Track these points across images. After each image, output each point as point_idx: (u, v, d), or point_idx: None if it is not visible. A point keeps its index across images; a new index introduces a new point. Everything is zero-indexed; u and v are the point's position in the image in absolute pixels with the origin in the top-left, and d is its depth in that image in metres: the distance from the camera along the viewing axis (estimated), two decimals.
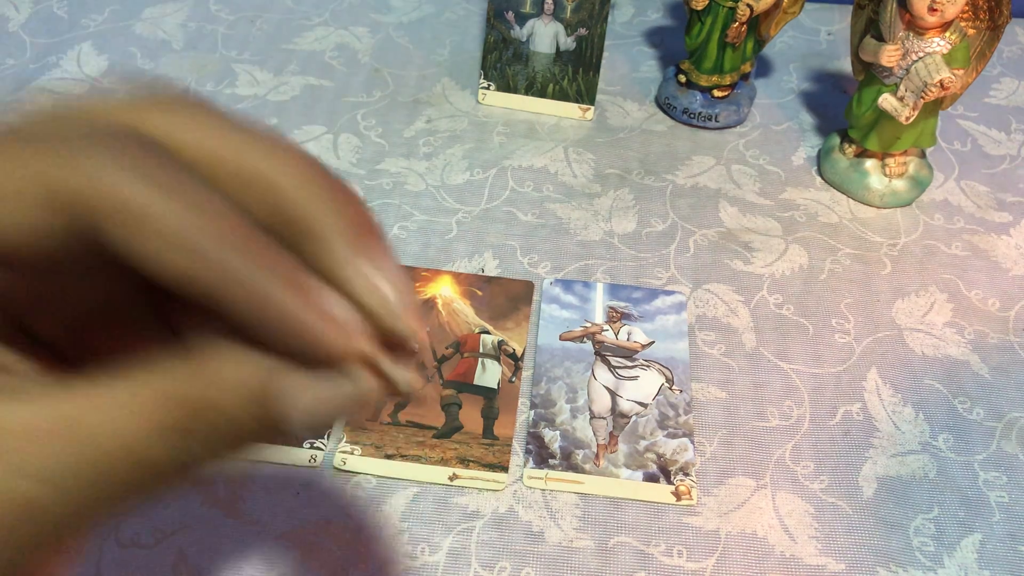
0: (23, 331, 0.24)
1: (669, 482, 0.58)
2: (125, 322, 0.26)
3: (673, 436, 0.61)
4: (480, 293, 0.69)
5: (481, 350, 0.65)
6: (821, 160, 0.81)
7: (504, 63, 0.85)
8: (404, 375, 0.23)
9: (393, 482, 0.58)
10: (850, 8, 0.78)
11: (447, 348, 0.65)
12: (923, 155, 0.79)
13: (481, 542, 0.55)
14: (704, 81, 0.83)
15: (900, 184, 0.77)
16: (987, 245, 0.75)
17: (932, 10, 0.67)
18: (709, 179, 0.80)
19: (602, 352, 0.66)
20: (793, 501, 0.58)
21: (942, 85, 0.68)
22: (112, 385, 0.21)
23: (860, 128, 0.76)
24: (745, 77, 0.84)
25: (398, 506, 0.57)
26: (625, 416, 0.62)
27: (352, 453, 0.59)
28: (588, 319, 0.68)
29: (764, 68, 0.93)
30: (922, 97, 0.69)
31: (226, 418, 0.22)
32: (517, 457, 0.59)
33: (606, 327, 0.67)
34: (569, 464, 0.59)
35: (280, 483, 0.58)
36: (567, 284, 0.70)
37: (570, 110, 0.85)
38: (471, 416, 0.61)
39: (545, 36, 0.84)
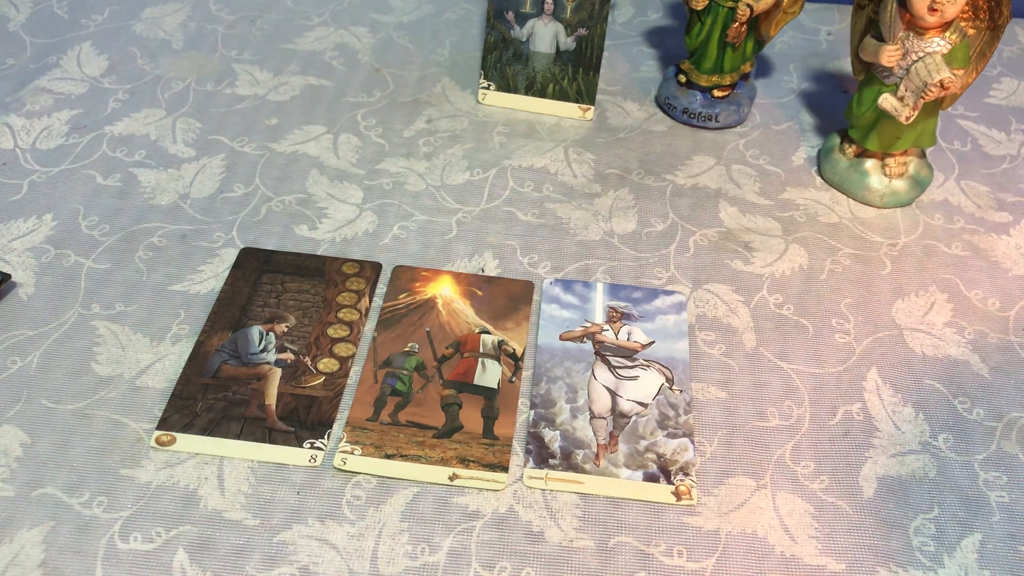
0: None
1: (669, 482, 0.58)
2: None
3: (673, 436, 0.61)
4: (480, 293, 0.69)
5: (481, 350, 0.65)
6: (821, 160, 0.81)
7: (504, 63, 0.85)
8: None
9: (393, 482, 0.58)
10: (850, 8, 0.78)
11: (447, 348, 0.65)
12: (923, 155, 0.79)
13: (481, 542, 0.55)
14: (704, 81, 0.83)
15: (900, 184, 0.77)
16: (987, 245, 0.75)
17: (932, 10, 0.67)
18: (709, 179, 0.80)
19: (602, 352, 0.66)
20: (793, 501, 0.58)
21: (942, 85, 0.68)
22: None
23: (860, 128, 0.76)
24: (745, 77, 0.84)
25: (398, 506, 0.57)
26: (625, 416, 0.62)
27: (352, 453, 0.59)
28: (588, 319, 0.68)
29: (764, 68, 0.93)
30: (922, 97, 0.69)
31: None
32: (517, 457, 0.59)
33: (606, 327, 0.67)
34: (569, 464, 0.59)
35: (280, 483, 0.58)
36: (567, 284, 0.70)
37: (570, 110, 0.85)
38: (471, 416, 0.61)
39: (545, 36, 0.84)
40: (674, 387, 0.63)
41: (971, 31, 0.71)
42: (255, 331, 0.65)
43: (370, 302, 0.68)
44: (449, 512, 0.57)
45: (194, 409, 0.61)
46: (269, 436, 0.60)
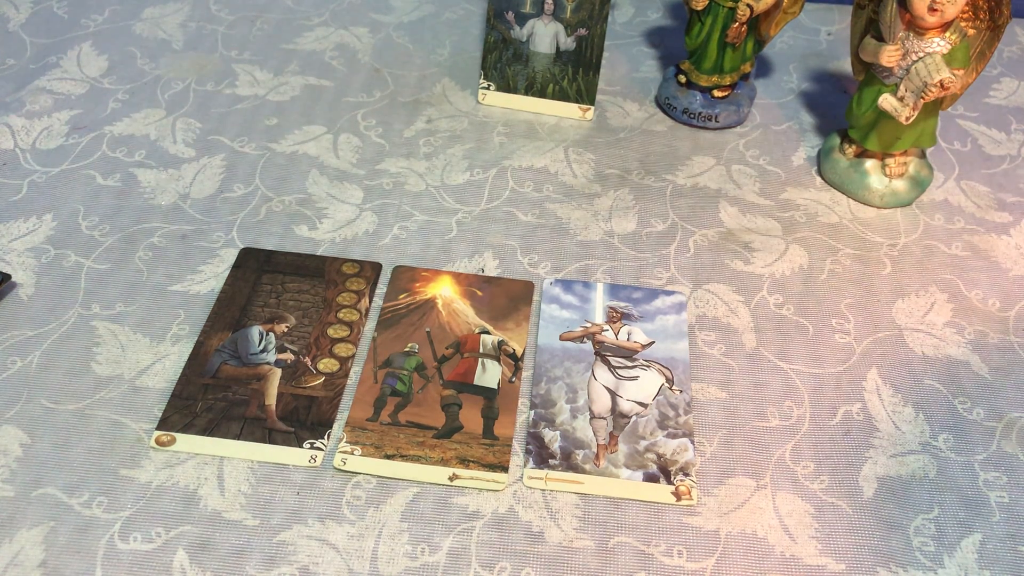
0: None
1: (669, 482, 0.58)
2: None
3: (673, 436, 0.61)
4: (480, 293, 0.69)
5: (481, 350, 0.65)
6: (821, 160, 0.81)
7: (504, 63, 0.85)
8: None
9: (393, 482, 0.58)
10: (850, 8, 0.78)
11: (447, 348, 0.65)
12: (923, 155, 0.79)
13: (481, 542, 0.55)
14: (704, 81, 0.83)
15: (900, 184, 0.77)
16: (987, 245, 0.75)
17: (932, 10, 0.67)
18: (709, 179, 0.80)
19: (602, 352, 0.66)
20: (793, 501, 0.58)
21: (942, 85, 0.68)
22: None
23: (860, 128, 0.76)
24: (745, 77, 0.84)
25: (398, 506, 0.57)
26: (625, 416, 0.62)
27: (352, 453, 0.59)
28: (588, 319, 0.68)
29: (764, 68, 0.93)
30: (922, 97, 0.69)
31: None
32: (517, 457, 0.59)
33: (606, 327, 0.67)
34: (569, 464, 0.59)
35: (280, 483, 0.58)
36: (567, 284, 0.70)
37: (570, 110, 0.85)
38: (471, 416, 0.61)
39: (545, 36, 0.84)
40: (674, 387, 0.63)
41: (971, 31, 0.71)
42: (255, 331, 0.66)
43: (370, 302, 0.68)
44: (449, 512, 0.57)
45: (194, 409, 0.61)
46: (269, 436, 0.60)
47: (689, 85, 0.84)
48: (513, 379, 0.64)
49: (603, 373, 0.64)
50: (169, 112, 0.83)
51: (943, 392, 0.65)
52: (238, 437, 0.59)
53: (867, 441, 0.61)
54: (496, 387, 0.63)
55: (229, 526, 0.55)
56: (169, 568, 0.53)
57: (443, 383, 0.63)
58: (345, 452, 0.59)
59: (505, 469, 0.58)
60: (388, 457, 0.59)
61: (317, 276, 0.70)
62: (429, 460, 0.59)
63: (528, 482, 0.58)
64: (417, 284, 0.70)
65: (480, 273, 0.71)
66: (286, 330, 0.66)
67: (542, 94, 0.85)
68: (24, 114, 0.82)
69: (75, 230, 0.72)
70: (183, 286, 0.69)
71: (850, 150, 0.78)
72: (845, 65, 0.92)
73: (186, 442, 0.59)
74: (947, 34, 0.69)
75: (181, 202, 0.75)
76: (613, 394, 0.63)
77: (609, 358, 0.65)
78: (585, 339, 0.66)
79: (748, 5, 0.76)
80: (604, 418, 0.62)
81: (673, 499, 0.58)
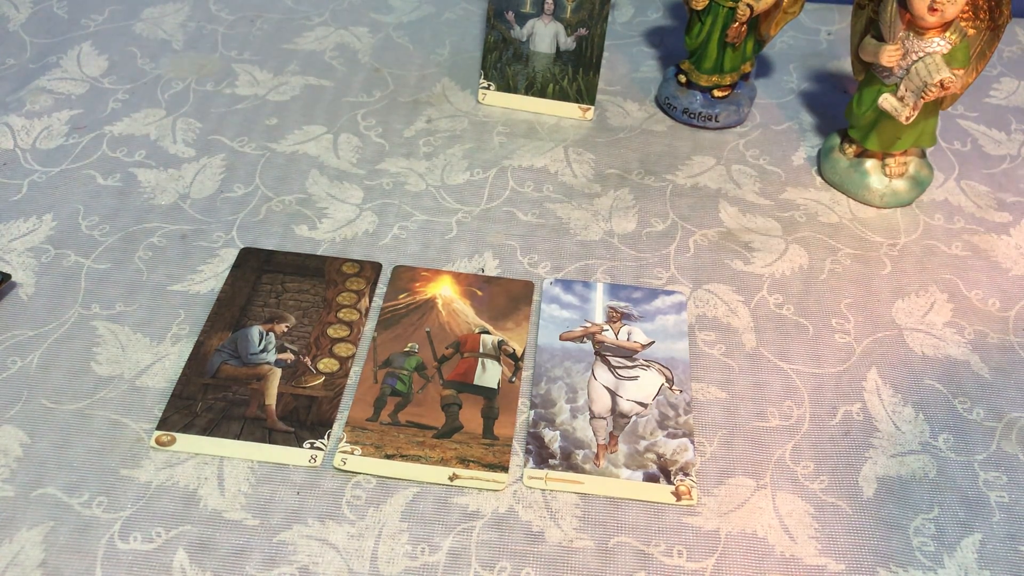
0: None
1: (669, 482, 0.58)
2: None
3: (673, 436, 0.61)
4: (480, 293, 0.69)
5: (481, 350, 0.65)
6: (821, 160, 0.81)
7: (504, 63, 0.85)
8: None
9: (393, 482, 0.58)
10: (850, 8, 0.78)
11: (447, 348, 0.65)
12: (923, 155, 0.79)
13: (481, 542, 0.55)
14: (704, 81, 0.83)
15: (900, 184, 0.77)
16: (987, 245, 0.75)
17: (932, 10, 0.67)
18: (709, 179, 0.80)
19: (602, 352, 0.66)
20: (793, 501, 0.58)
21: (942, 85, 0.68)
22: None
23: (860, 128, 0.76)
24: (745, 77, 0.84)
25: (398, 506, 0.57)
26: (625, 416, 0.62)
27: (352, 453, 0.59)
28: (588, 319, 0.68)
29: (764, 68, 0.93)
30: (922, 97, 0.69)
31: None
32: (517, 457, 0.59)
33: (606, 327, 0.67)
34: (569, 464, 0.59)
35: (280, 483, 0.58)
36: (567, 284, 0.70)
37: (570, 110, 0.85)
38: (471, 416, 0.61)
39: (545, 36, 0.84)
40: (674, 387, 0.63)
41: (971, 31, 0.71)
42: (255, 331, 0.66)
43: (370, 302, 0.68)
44: (449, 512, 0.57)
45: (194, 409, 0.61)
46: (269, 436, 0.60)
47: (689, 85, 0.84)
48: (513, 379, 0.64)
49: (603, 373, 0.64)
50: (169, 112, 0.83)
51: (943, 392, 0.65)
52: (238, 437, 0.59)
53: (867, 441, 0.61)
54: (496, 387, 0.63)
55: (229, 526, 0.55)
56: (169, 568, 0.53)
57: (443, 383, 0.63)
58: (345, 452, 0.59)
59: (505, 469, 0.58)
60: (388, 457, 0.59)
61: (317, 276, 0.70)
62: (429, 460, 0.59)
63: (528, 482, 0.58)
64: (417, 284, 0.70)
65: (480, 273, 0.71)
66: (286, 330, 0.66)
67: (542, 94, 0.85)
68: (24, 114, 0.82)
69: (75, 230, 0.72)
70: (183, 286, 0.69)
71: (850, 150, 0.78)
72: (845, 65, 0.92)
73: (186, 442, 0.59)
74: (947, 34, 0.69)
75: (181, 202, 0.75)
76: (613, 394, 0.63)
77: (609, 358, 0.65)
78: (585, 339, 0.66)
79: (748, 5, 0.76)
80: (604, 418, 0.62)
81: (673, 499, 0.58)
